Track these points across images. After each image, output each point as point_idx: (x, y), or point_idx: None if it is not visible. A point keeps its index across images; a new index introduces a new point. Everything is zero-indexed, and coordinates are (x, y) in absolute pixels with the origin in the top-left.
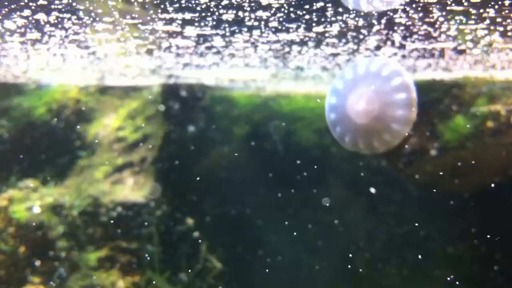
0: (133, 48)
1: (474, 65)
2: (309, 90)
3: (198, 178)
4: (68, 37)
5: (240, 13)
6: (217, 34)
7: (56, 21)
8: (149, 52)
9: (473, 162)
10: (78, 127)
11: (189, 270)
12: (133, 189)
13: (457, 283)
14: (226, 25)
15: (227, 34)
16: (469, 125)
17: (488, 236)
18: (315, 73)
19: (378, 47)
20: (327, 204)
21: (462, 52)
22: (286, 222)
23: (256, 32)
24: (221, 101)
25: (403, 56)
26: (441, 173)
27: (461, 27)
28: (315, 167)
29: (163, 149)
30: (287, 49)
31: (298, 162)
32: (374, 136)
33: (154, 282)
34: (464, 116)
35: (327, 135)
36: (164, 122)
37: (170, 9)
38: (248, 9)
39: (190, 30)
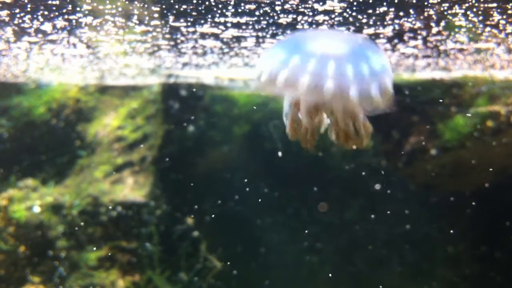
0: (157, 47)
1: (474, 65)
2: None
3: (198, 178)
4: (94, 37)
5: (299, 17)
6: (254, 36)
7: (98, 24)
8: (152, 53)
9: (473, 162)
10: (78, 126)
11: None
12: (133, 189)
13: (457, 283)
14: (273, 28)
15: (267, 36)
16: (469, 125)
17: (488, 235)
18: None
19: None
20: (323, 209)
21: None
22: (286, 222)
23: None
24: (221, 101)
25: (407, 56)
26: (441, 173)
27: None
28: (315, 166)
29: (163, 149)
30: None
31: (298, 161)
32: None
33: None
34: (464, 116)
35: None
36: (163, 122)
37: (228, 13)
38: (310, 13)
39: (230, 32)
